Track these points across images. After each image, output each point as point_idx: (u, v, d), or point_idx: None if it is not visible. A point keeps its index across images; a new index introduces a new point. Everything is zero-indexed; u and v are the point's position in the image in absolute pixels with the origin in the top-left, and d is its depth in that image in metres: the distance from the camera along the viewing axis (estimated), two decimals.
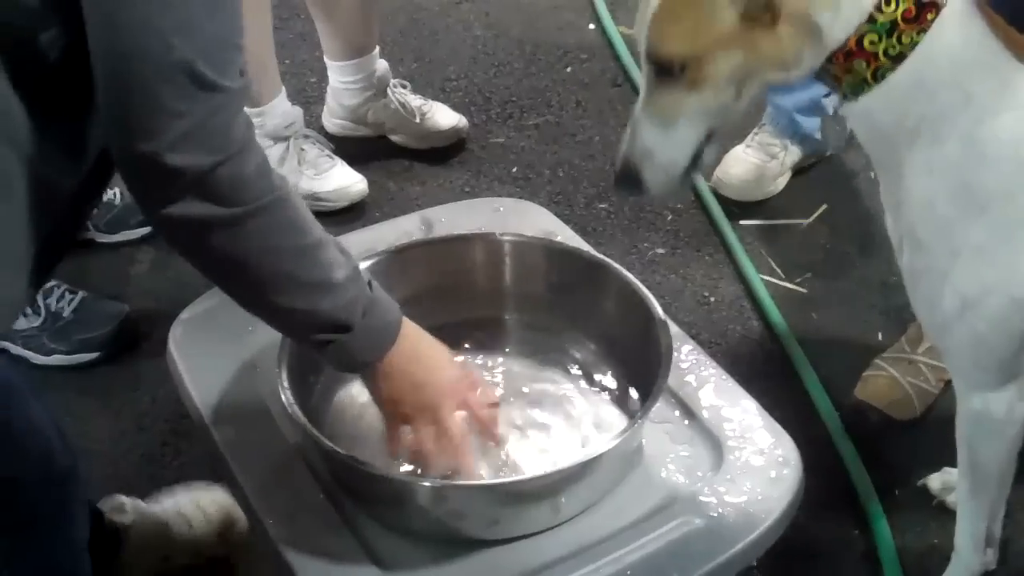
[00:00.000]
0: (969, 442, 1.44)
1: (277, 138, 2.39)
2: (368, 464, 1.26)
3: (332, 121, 2.65)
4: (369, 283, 1.25)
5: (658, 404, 1.30)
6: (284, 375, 1.33)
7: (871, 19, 1.16)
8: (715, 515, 1.27)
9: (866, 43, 1.18)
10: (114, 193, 2.38)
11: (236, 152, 1.09)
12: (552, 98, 2.80)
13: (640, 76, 1.29)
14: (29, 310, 2.09)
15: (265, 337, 1.46)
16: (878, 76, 1.19)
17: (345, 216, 2.40)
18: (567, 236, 1.66)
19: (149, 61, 1.03)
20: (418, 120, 2.57)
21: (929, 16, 1.18)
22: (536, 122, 2.72)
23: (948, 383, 1.96)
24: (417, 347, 1.30)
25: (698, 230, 2.36)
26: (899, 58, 1.19)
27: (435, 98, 2.65)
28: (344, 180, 2.41)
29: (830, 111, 1.74)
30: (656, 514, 1.28)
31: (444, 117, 2.59)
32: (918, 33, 1.18)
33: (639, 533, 1.26)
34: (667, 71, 1.24)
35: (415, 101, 2.59)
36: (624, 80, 2.84)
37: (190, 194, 1.08)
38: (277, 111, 2.37)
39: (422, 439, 1.29)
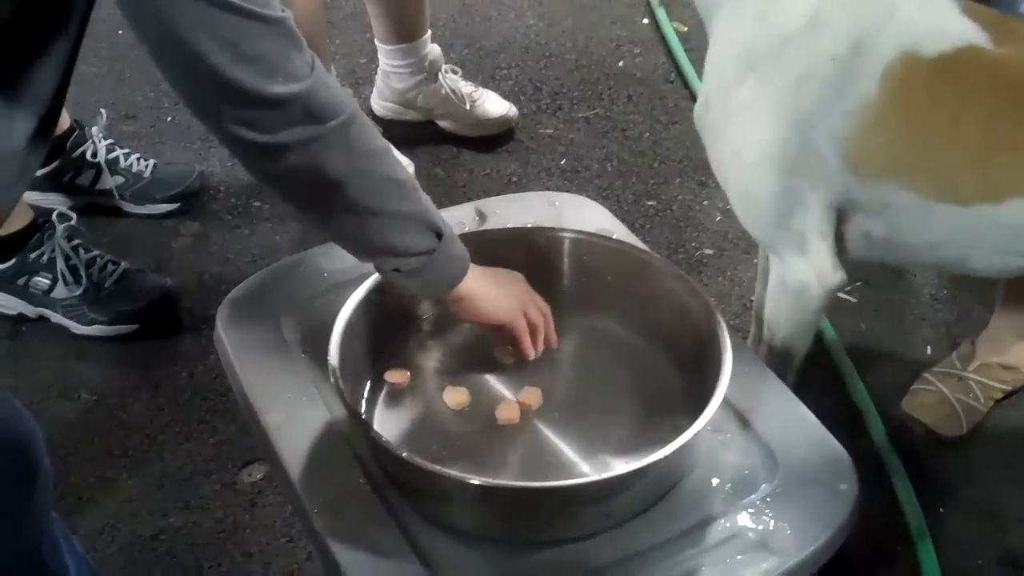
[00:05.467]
0: (769, 304, 1.57)
1: None
2: (418, 459, 1.23)
3: (381, 104, 2.64)
4: None
5: (714, 412, 1.27)
6: (336, 361, 1.31)
7: None
8: (769, 529, 1.24)
9: None
10: (145, 164, 2.37)
11: (317, 70, 1.17)
12: (603, 91, 2.77)
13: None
14: (71, 279, 2.09)
15: (316, 320, 1.44)
16: None
17: None
18: (623, 234, 1.63)
19: (213, 23, 1.10)
20: (468, 107, 2.55)
21: None
22: (586, 115, 2.70)
23: (997, 402, 1.94)
24: (477, 266, 1.39)
25: (747, 232, 2.32)
26: None
27: (485, 86, 2.64)
28: None
29: None
30: (708, 525, 1.25)
31: (494, 105, 2.57)
32: None
33: (690, 543, 1.23)
34: None
35: (466, 88, 2.57)
36: (676, 76, 2.81)
37: (297, 121, 1.16)
38: None
39: (522, 336, 1.41)
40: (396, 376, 1.44)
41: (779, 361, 1.54)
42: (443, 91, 2.56)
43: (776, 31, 1.39)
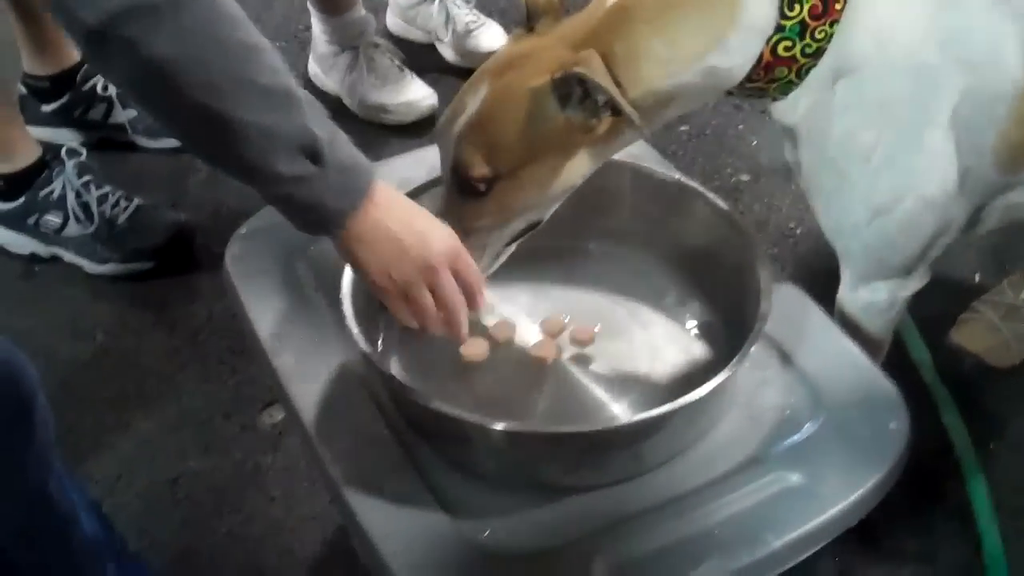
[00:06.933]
0: (855, 322, 1.48)
1: (346, 46, 2.32)
2: (440, 404, 1.15)
3: (391, 18, 2.63)
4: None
5: (752, 348, 1.19)
6: (348, 300, 1.24)
7: (779, 27, 1.18)
8: (813, 473, 1.16)
9: (780, 50, 1.19)
10: None
11: None
12: None
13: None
14: (83, 216, 2.03)
15: (330, 256, 1.36)
16: (802, 74, 1.22)
17: (410, 132, 2.32)
18: (655, 160, 1.54)
19: None
20: (463, 35, 2.46)
21: (838, 6, 1.18)
22: None
23: None
24: (395, 202, 1.16)
25: (782, 157, 2.23)
26: (818, 53, 1.20)
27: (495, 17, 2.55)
28: (414, 94, 2.34)
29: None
30: (747, 469, 1.17)
31: (489, 39, 2.47)
32: (831, 25, 1.19)
33: (728, 488, 1.15)
34: (472, 189, 1.22)
35: (465, 16, 2.48)
36: None
37: None
38: (350, 18, 2.31)
39: (422, 312, 1.18)
40: (473, 348, 1.33)
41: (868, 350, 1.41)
42: (440, 14, 2.48)
43: (916, 71, 1.24)
